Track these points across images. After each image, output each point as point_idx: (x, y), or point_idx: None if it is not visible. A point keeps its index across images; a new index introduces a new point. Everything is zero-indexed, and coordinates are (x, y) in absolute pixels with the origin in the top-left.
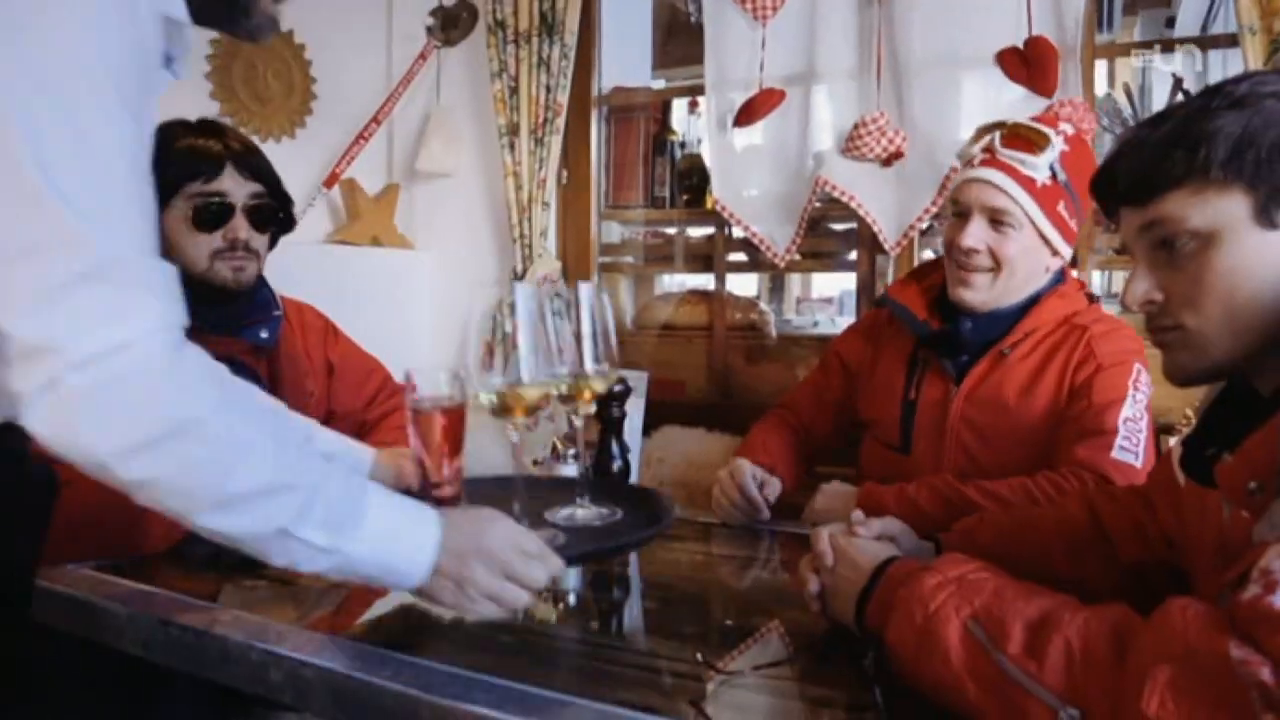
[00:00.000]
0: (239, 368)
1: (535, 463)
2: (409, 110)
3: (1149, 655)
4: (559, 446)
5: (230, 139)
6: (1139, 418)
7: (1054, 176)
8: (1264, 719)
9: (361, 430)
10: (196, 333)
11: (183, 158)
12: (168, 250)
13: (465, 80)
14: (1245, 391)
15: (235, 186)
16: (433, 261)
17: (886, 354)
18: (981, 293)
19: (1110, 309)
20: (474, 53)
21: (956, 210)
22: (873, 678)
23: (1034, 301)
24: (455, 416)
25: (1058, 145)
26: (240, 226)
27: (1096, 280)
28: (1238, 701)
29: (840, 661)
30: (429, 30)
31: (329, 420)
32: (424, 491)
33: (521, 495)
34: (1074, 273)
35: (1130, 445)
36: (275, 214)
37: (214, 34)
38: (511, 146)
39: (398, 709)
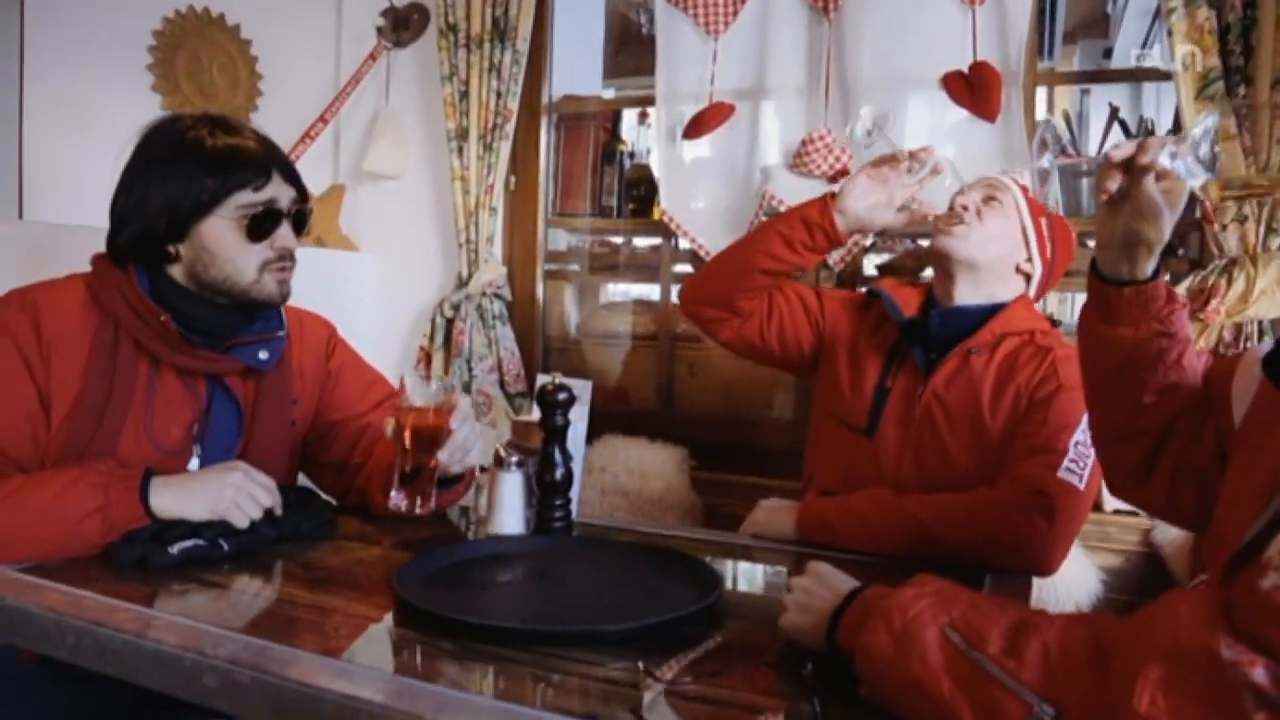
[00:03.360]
0: (222, 392)
1: (480, 469)
2: (357, 110)
3: (1141, 652)
4: (502, 454)
5: (262, 140)
6: (1089, 444)
7: (1043, 195)
8: (1256, 719)
9: (362, 435)
10: (183, 349)
11: (228, 162)
12: (207, 261)
13: (415, 82)
14: None
15: (282, 193)
16: (377, 264)
17: (867, 342)
18: (962, 241)
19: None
20: (424, 55)
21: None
22: (812, 687)
23: (1002, 306)
24: (438, 419)
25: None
26: (289, 236)
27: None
28: (1229, 701)
29: (780, 671)
30: (379, 31)
31: (328, 429)
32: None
33: None
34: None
35: (1077, 468)
36: (308, 220)
37: (157, 25)
38: (460, 151)
39: (336, 715)
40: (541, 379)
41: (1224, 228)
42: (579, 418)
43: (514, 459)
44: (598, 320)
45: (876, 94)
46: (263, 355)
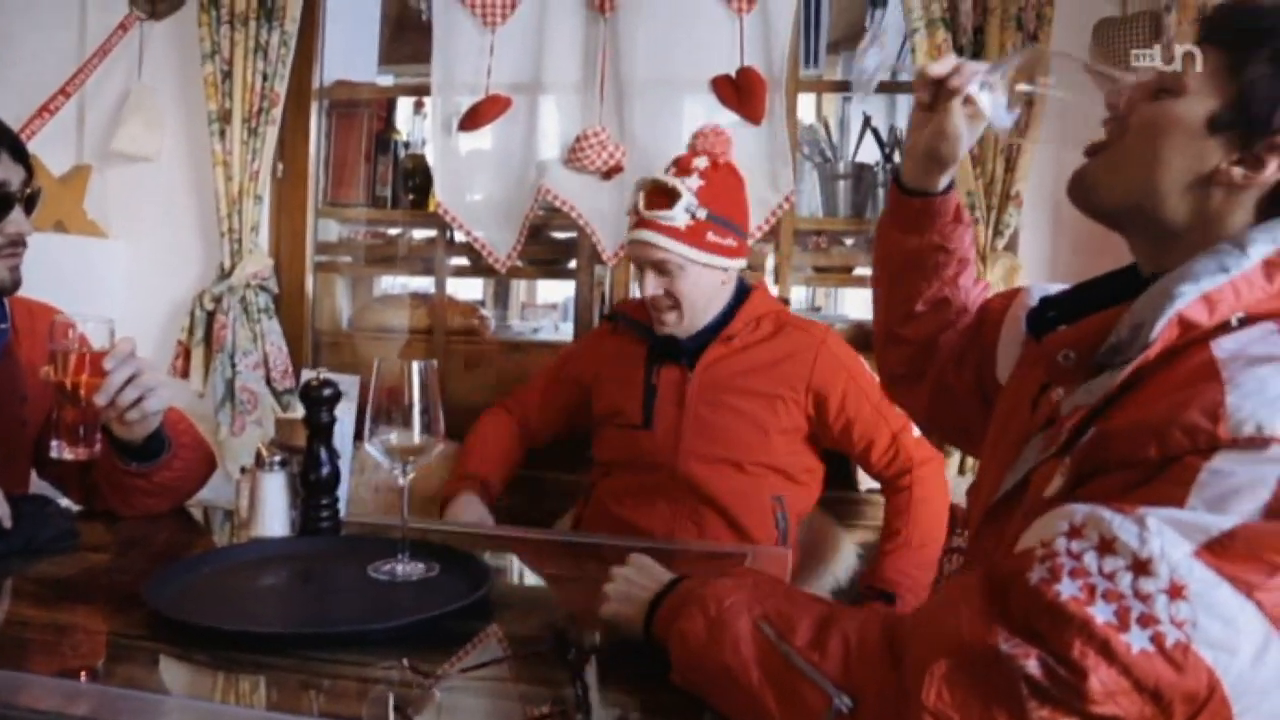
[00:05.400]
0: None
1: (242, 469)
2: (106, 85)
3: (928, 646)
4: (264, 453)
5: None
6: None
7: (694, 216)
8: (1030, 706)
9: None
10: None
11: None
12: None
13: (172, 59)
14: (1130, 278)
15: (12, 174)
16: (128, 252)
17: (623, 357)
18: (677, 325)
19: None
20: (183, 30)
21: (634, 264)
22: (575, 673)
23: (737, 303)
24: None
25: (691, 187)
26: (21, 220)
27: (802, 294)
28: (1008, 692)
29: (548, 660)
30: (131, 0)
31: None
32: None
33: None
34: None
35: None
36: (38, 202)
37: None
38: (222, 134)
39: None
40: (307, 374)
41: None
42: (346, 414)
43: (276, 458)
44: (371, 314)
45: (650, 93)
46: None
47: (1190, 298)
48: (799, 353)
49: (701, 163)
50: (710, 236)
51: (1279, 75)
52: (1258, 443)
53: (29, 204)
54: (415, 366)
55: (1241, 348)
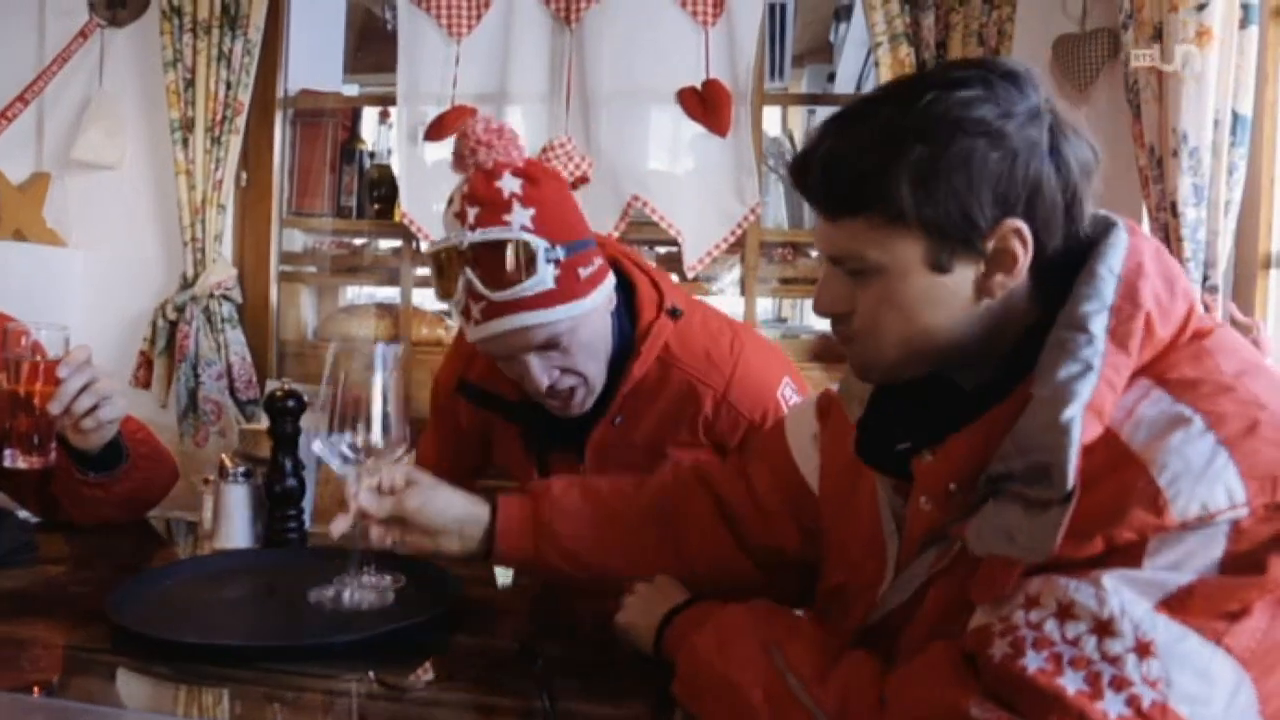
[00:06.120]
0: None
1: (205, 481)
2: (65, 93)
3: (908, 704)
4: (228, 464)
5: None
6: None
7: (557, 263)
8: None
9: None
10: None
11: None
12: None
13: (133, 66)
14: (943, 383)
15: None
16: (88, 261)
17: (500, 435)
18: (584, 405)
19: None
20: (145, 37)
21: (498, 360)
22: (541, 683)
23: (621, 365)
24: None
25: (530, 228)
26: None
27: (768, 305)
28: None
29: (513, 671)
30: (91, 6)
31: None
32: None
33: None
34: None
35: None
36: None
37: None
38: (185, 142)
39: None
40: (271, 385)
41: None
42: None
43: (240, 469)
44: (336, 324)
45: (616, 104)
46: None
47: (1081, 423)
48: (690, 407)
49: (511, 185)
50: (582, 272)
51: (930, 186)
52: (1206, 520)
53: None
54: (379, 350)
55: (1133, 417)
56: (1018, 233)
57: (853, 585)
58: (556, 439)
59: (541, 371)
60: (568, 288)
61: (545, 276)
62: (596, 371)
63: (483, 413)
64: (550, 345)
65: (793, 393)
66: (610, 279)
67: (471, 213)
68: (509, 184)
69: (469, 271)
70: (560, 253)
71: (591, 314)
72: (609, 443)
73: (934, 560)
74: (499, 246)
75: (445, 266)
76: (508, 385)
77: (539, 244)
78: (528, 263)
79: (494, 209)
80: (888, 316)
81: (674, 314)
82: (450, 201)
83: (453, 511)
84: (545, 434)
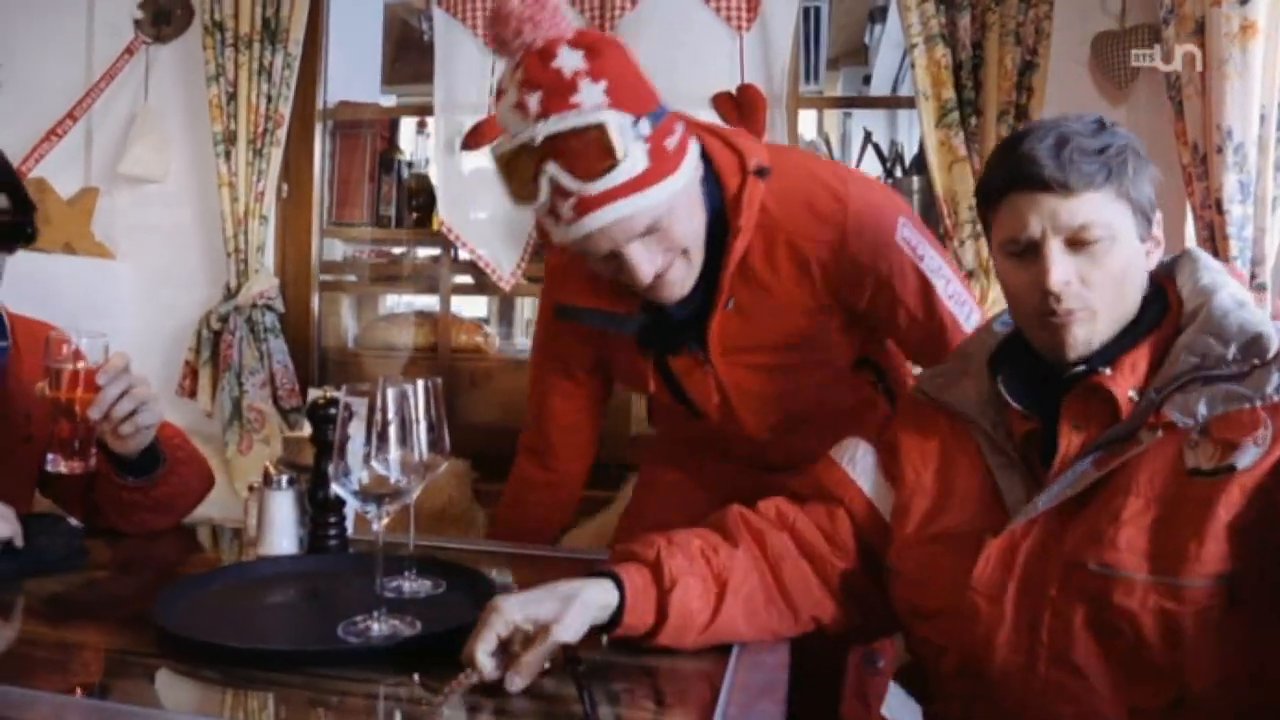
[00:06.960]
0: None
1: (250, 488)
2: (112, 109)
3: None
4: (272, 471)
5: None
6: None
7: (644, 139)
8: None
9: None
10: None
11: None
12: None
13: (178, 81)
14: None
15: None
16: (134, 273)
17: (614, 350)
18: (685, 286)
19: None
20: (188, 53)
21: (602, 256)
22: (583, 686)
23: (720, 241)
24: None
25: (606, 115)
26: None
27: None
28: None
29: (554, 676)
30: (137, 24)
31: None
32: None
33: None
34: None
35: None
36: (23, 229)
37: None
38: (228, 155)
39: None
40: (313, 393)
41: (962, 243)
42: (356, 432)
43: (284, 477)
44: (376, 332)
45: None
46: None
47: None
48: (806, 271)
49: (571, 60)
50: (669, 143)
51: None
52: None
53: (9, 235)
54: (420, 386)
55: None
56: (1160, 221)
57: (967, 530)
58: (672, 339)
59: (645, 260)
60: (660, 164)
61: (637, 157)
62: (696, 246)
63: (591, 333)
64: (651, 230)
65: (911, 233)
66: (695, 144)
67: (533, 101)
68: (569, 60)
69: (551, 167)
70: (645, 127)
71: (687, 188)
72: (730, 331)
73: (1095, 465)
74: (580, 134)
75: (517, 167)
76: (605, 296)
77: (623, 121)
78: (615, 145)
79: (559, 92)
80: (1123, 279)
81: (761, 173)
82: (501, 92)
83: (589, 614)
84: (660, 336)
